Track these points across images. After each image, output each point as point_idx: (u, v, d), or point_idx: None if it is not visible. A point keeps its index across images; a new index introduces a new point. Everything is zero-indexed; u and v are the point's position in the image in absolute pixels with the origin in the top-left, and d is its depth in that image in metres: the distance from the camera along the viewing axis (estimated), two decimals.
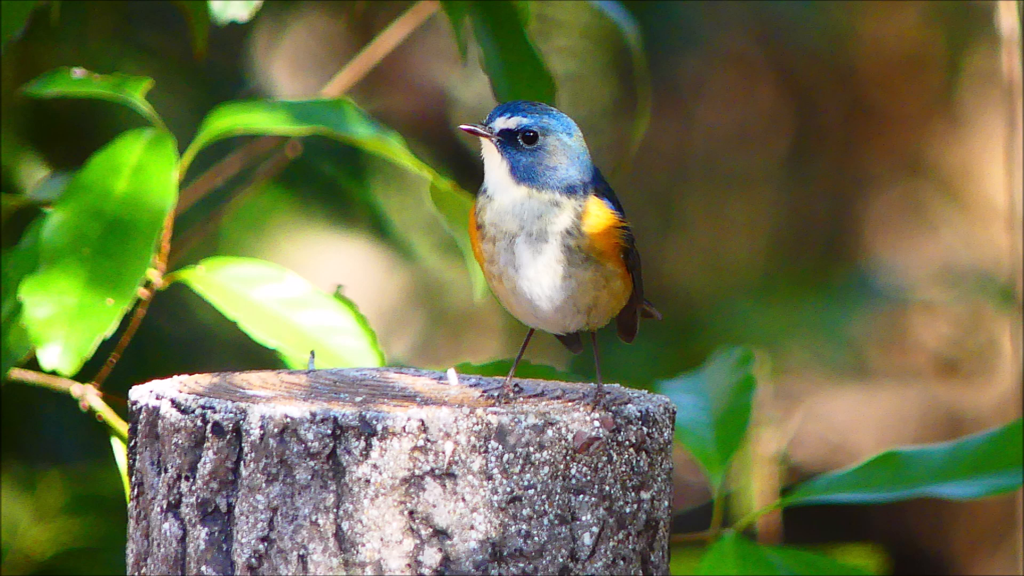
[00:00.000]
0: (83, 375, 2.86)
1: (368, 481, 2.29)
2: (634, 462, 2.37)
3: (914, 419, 5.74)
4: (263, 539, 2.31)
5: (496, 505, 2.31)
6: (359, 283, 5.31)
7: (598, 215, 2.46)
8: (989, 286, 5.68)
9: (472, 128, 2.49)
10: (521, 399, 2.46)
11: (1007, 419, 3.54)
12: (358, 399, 2.39)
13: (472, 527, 2.30)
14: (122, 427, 2.88)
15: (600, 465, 2.34)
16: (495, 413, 2.32)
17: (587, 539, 2.34)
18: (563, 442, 2.33)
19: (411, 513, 2.30)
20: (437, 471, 2.30)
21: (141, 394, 2.41)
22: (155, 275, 2.91)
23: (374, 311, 5.19)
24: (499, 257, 2.46)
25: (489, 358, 2.92)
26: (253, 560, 2.31)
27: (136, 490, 2.40)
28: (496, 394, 2.46)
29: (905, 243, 5.89)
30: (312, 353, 2.70)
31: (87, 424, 3.24)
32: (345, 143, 3.02)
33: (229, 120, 2.96)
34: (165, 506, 2.35)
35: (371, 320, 2.98)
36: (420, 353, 5.51)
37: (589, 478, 2.34)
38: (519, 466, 2.31)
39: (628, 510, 2.36)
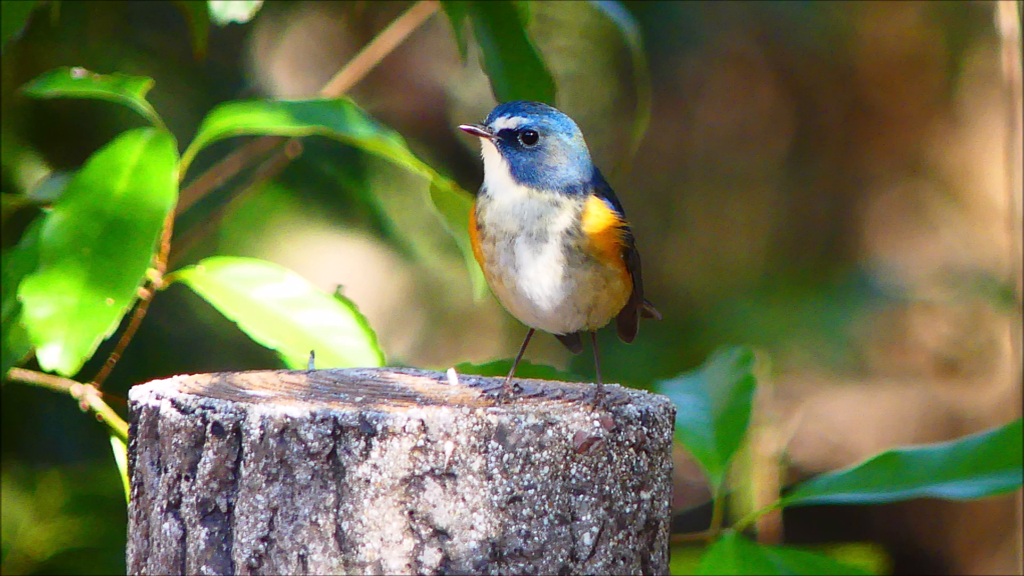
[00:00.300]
0: (83, 375, 2.86)
1: (368, 481, 2.29)
2: (634, 462, 2.37)
3: (914, 419, 5.74)
4: (263, 539, 2.31)
5: (496, 505, 2.31)
6: (359, 283, 5.31)
7: (598, 215, 2.46)
8: (989, 286, 5.68)
9: (472, 128, 2.49)
10: (521, 399, 2.46)
11: (1007, 419, 3.54)
12: (358, 399, 2.39)
13: (472, 527, 2.30)
14: (122, 427, 2.88)
15: (600, 465, 2.34)
16: (495, 413, 2.32)
17: (587, 539, 2.34)
18: (563, 442, 2.33)
19: (411, 513, 2.30)
20: (437, 471, 2.30)
21: (141, 394, 2.41)
22: (155, 275, 2.91)
23: (374, 311, 5.19)
24: (499, 257, 2.46)
25: (489, 358, 2.92)
26: (253, 560, 2.31)
27: (136, 490, 2.40)
28: (496, 394, 2.46)
29: (905, 243, 5.89)
30: (312, 353, 2.70)
31: (87, 424, 3.24)
32: (345, 143, 3.02)
33: (229, 120, 2.96)
34: (165, 506, 2.35)
35: (371, 320, 2.98)
36: (420, 353, 5.51)
37: (589, 478, 2.34)
38: (519, 466, 2.31)
39: (628, 510, 2.36)
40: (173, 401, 2.36)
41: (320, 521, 2.30)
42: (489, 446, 2.31)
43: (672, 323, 5.38)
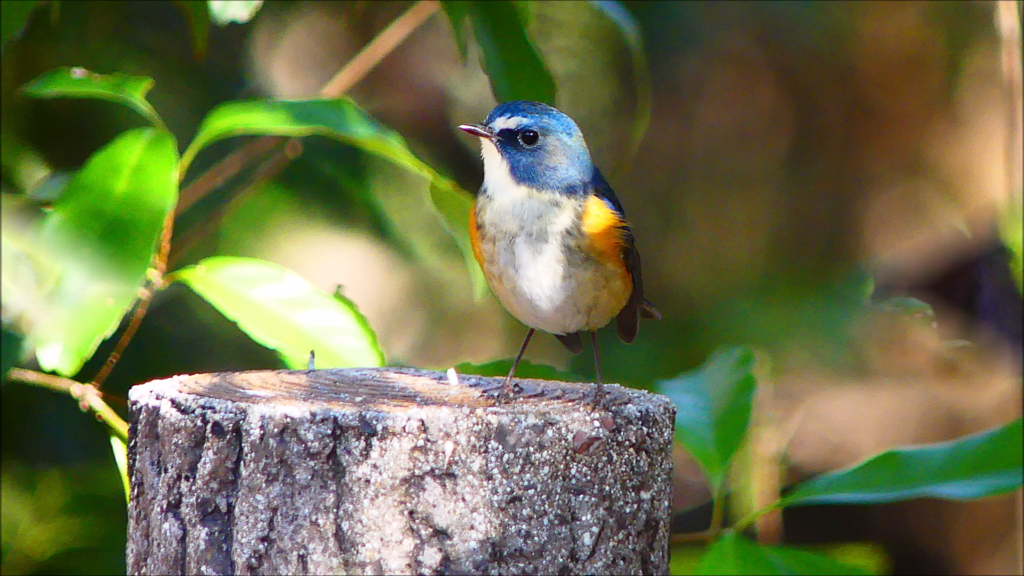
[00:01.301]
0: (83, 375, 2.86)
1: (368, 481, 2.29)
2: (634, 462, 2.37)
3: (914, 419, 5.74)
4: (263, 539, 2.31)
5: (496, 505, 2.31)
6: (359, 283, 5.31)
7: (598, 215, 2.46)
8: None
9: (472, 128, 2.49)
10: (521, 399, 2.46)
11: (1007, 419, 3.54)
12: (358, 399, 2.39)
13: (472, 527, 2.30)
14: (122, 427, 2.88)
15: (600, 465, 2.34)
16: (495, 413, 2.32)
17: (587, 539, 2.34)
18: (563, 442, 2.33)
19: (411, 513, 2.30)
20: (437, 471, 2.30)
21: (141, 394, 2.41)
22: (155, 275, 2.91)
23: (374, 311, 5.19)
24: (499, 257, 2.46)
25: (489, 358, 2.92)
26: (253, 560, 2.31)
27: (136, 490, 2.40)
28: (496, 394, 2.46)
29: (905, 243, 5.88)
30: (312, 353, 2.70)
31: (87, 424, 3.24)
32: (345, 143, 3.02)
33: (229, 120, 2.96)
34: (165, 506, 2.35)
35: (371, 320, 2.98)
36: (420, 353, 5.51)
37: (589, 478, 2.34)
38: (519, 466, 2.31)
39: (628, 510, 2.36)
40: (173, 401, 2.36)
41: (320, 521, 2.30)
42: (489, 446, 2.31)
43: (672, 323, 5.38)
